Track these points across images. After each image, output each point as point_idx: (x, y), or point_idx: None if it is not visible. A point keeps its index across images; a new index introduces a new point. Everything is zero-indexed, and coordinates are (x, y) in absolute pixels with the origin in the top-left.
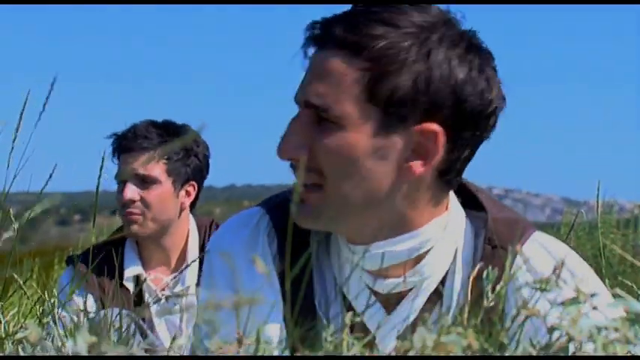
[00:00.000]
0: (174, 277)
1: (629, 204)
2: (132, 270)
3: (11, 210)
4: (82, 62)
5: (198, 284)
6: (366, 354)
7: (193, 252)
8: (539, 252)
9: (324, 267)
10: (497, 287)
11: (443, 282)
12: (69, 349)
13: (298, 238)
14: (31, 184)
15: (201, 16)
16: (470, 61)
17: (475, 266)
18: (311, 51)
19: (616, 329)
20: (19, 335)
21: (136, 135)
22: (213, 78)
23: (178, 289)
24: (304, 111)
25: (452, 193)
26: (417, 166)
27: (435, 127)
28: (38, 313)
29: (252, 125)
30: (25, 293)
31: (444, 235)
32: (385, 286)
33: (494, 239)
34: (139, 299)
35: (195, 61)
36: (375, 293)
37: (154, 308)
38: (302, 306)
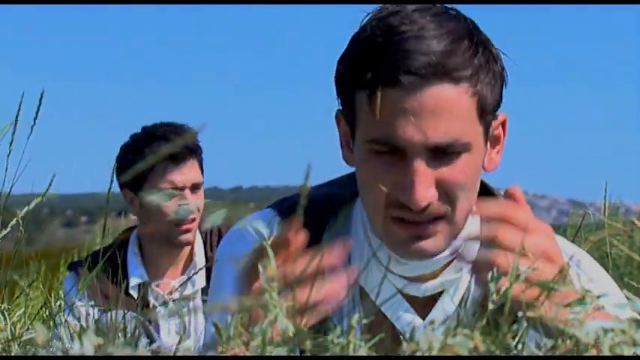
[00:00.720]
0: (183, 281)
1: (635, 205)
2: (136, 277)
3: (17, 212)
4: (85, 62)
5: (208, 286)
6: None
7: (200, 254)
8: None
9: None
10: (503, 288)
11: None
12: (75, 350)
13: (311, 241)
14: (36, 186)
15: (206, 15)
16: (494, 49)
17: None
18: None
19: (623, 331)
20: (25, 337)
21: (186, 146)
22: (219, 79)
23: (190, 291)
24: (425, 153)
25: None
26: (495, 155)
27: (502, 116)
28: (45, 315)
29: (259, 127)
30: (31, 299)
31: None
32: (423, 290)
33: None
34: (143, 305)
35: (201, 61)
36: (405, 296)
37: (160, 310)
38: None
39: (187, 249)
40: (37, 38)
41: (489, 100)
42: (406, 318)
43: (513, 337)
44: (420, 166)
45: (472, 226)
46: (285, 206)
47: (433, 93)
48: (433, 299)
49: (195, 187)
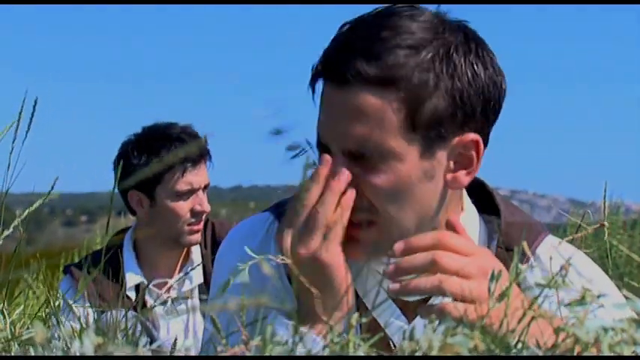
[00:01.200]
0: (179, 278)
1: (635, 205)
2: (133, 278)
3: (17, 211)
4: (84, 62)
5: (205, 282)
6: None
7: (196, 251)
8: (552, 254)
9: None
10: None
11: None
12: (75, 349)
13: None
14: (38, 186)
15: (206, 15)
16: (482, 57)
17: None
18: (320, 85)
19: (622, 330)
20: (25, 336)
21: (200, 146)
22: (219, 78)
23: (187, 287)
24: (342, 157)
25: (465, 192)
26: (462, 175)
27: (473, 135)
28: (44, 313)
29: (259, 126)
30: (35, 292)
31: None
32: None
33: (507, 243)
34: (142, 306)
35: (201, 60)
36: (394, 300)
37: (159, 310)
38: None
39: (181, 249)
40: (38, 38)
41: (428, 114)
42: (396, 324)
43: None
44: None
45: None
46: (284, 208)
47: (355, 97)
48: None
49: (205, 188)
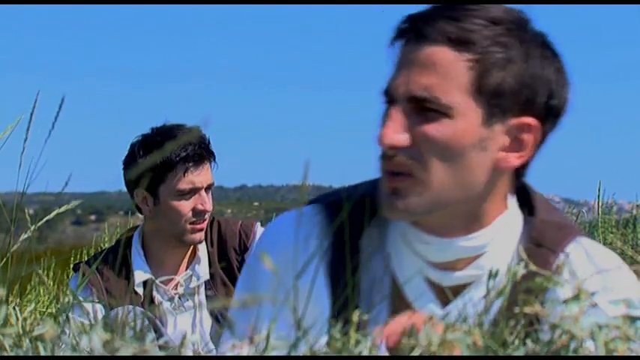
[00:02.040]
0: (186, 275)
1: (628, 204)
2: (141, 275)
3: (29, 211)
4: (95, 62)
5: (212, 278)
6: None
7: (202, 250)
8: (582, 256)
9: (373, 254)
10: (501, 286)
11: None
12: (84, 345)
13: (353, 234)
14: (48, 185)
15: (213, 14)
16: (554, 62)
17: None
18: (399, 44)
19: (617, 327)
20: (36, 332)
21: (200, 145)
22: (225, 78)
23: (194, 283)
24: (405, 104)
25: (511, 194)
26: (513, 158)
27: (532, 120)
28: (54, 310)
29: (263, 126)
30: (47, 288)
31: (503, 232)
32: (447, 279)
33: (539, 239)
34: (149, 302)
35: (207, 60)
36: (430, 284)
37: (165, 305)
38: (346, 299)
39: (187, 247)
40: (46, 37)
41: (495, 83)
42: (426, 306)
43: (511, 334)
44: (395, 111)
45: (497, 226)
46: (329, 200)
47: (430, 50)
48: (458, 293)
49: (209, 188)
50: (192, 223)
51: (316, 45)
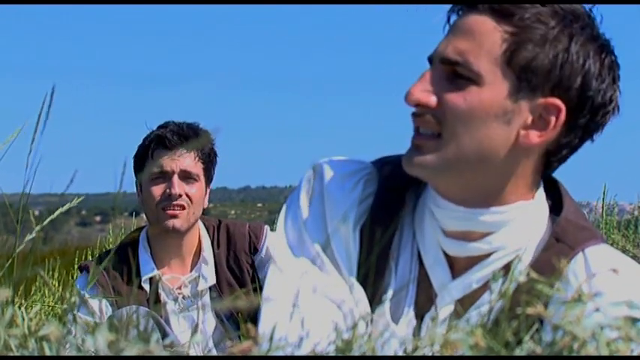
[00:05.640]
0: (192, 277)
1: (629, 205)
2: (147, 272)
3: (34, 212)
4: (99, 62)
5: (218, 282)
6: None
7: (208, 251)
8: (604, 259)
9: (405, 219)
10: (504, 287)
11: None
12: (89, 346)
13: (395, 197)
14: (53, 186)
15: (217, 12)
16: (602, 60)
17: (537, 255)
18: (454, 18)
19: (618, 328)
20: (41, 333)
21: (180, 134)
22: (228, 79)
23: (202, 286)
24: (439, 66)
25: (543, 192)
26: (534, 136)
27: (559, 102)
28: (60, 310)
29: (267, 127)
30: (51, 289)
31: (522, 218)
32: (457, 248)
33: (560, 235)
34: (155, 300)
35: (209, 61)
36: (445, 255)
37: (170, 306)
38: (378, 255)
39: (194, 245)
40: (50, 38)
41: (526, 59)
42: (440, 276)
43: (514, 334)
44: (429, 72)
45: (516, 211)
46: (382, 162)
47: (473, 18)
48: (470, 266)
49: (187, 177)
50: (164, 208)
51: (321, 47)
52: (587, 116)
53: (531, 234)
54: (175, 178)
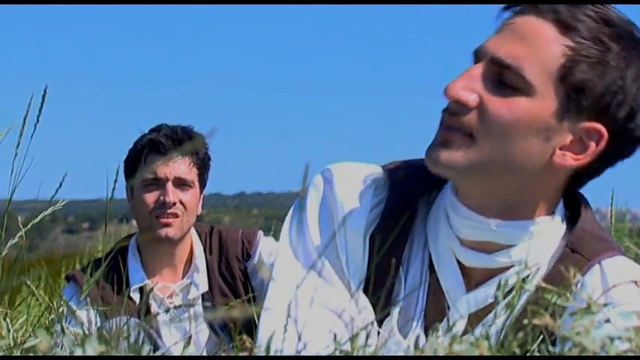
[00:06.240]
0: (184, 284)
1: None
2: (137, 281)
3: (20, 218)
4: (84, 66)
5: (210, 289)
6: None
7: (200, 258)
8: (620, 272)
9: (417, 226)
10: (509, 297)
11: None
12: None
13: (407, 203)
14: (40, 192)
15: (209, 14)
16: None
17: (552, 266)
18: (506, 15)
19: (629, 339)
20: (27, 344)
21: (174, 139)
22: (222, 83)
23: (193, 294)
24: (487, 64)
25: (562, 207)
26: (570, 158)
27: (603, 129)
28: (47, 321)
29: (262, 132)
30: (37, 299)
31: (543, 234)
32: (472, 259)
33: (575, 245)
34: (145, 309)
35: (205, 64)
36: (460, 265)
37: (162, 316)
38: (385, 262)
39: (186, 252)
40: (37, 39)
41: (580, 78)
42: (453, 287)
43: (519, 346)
44: (475, 68)
45: (536, 226)
46: (393, 167)
47: (531, 22)
48: (487, 279)
49: (181, 184)
50: (157, 216)
51: (317, 48)
52: (622, 147)
53: (549, 247)
54: (169, 185)
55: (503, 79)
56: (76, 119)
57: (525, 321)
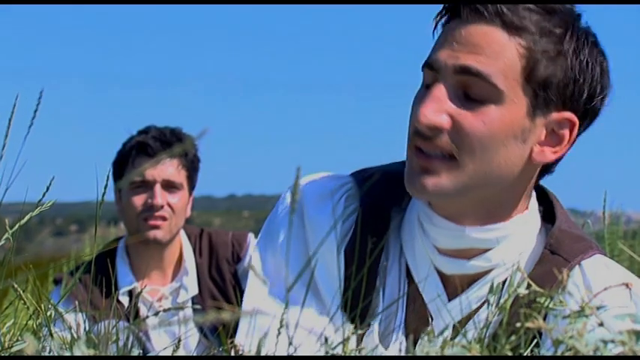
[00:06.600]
0: (173, 288)
1: (636, 214)
2: (126, 284)
3: (6, 220)
4: (72, 67)
5: (200, 292)
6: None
7: (189, 261)
8: (601, 271)
9: (391, 235)
10: (502, 301)
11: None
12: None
13: (380, 213)
14: (28, 195)
15: (198, 15)
16: (601, 62)
17: (532, 268)
18: (443, 21)
19: (622, 342)
20: (15, 348)
21: (162, 141)
22: (213, 85)
23: (183, 297)
24: (450, 80)
25: (535, 201)
26: (549, 152)
27: (571, 115)
28: (35, 325)
29: (253, 134)
30: (25, 303)
31: (520, 232)
32: (453, 266)
33: (555, 247)
34: (135, 313)
35: (194, 68)
36: (439, 273)
37: (151, 320)
38: (365, 276)
39: (176, 255)
40: (23, 40)
41: (544, 74)
42: (435, 296)
43: (512, 349)
44: (438, 89)
45: (513, 225)
46: (363, 176)
47: (484, 30)
48: (468, 284)
49: (170, 186)
50: (145, 218)
51: (307, 51)
52: (587, 125)
53: (526, 244)
54: (157, 187)
55: (469, 92)
56: (63, 120)
57: (518, 324)
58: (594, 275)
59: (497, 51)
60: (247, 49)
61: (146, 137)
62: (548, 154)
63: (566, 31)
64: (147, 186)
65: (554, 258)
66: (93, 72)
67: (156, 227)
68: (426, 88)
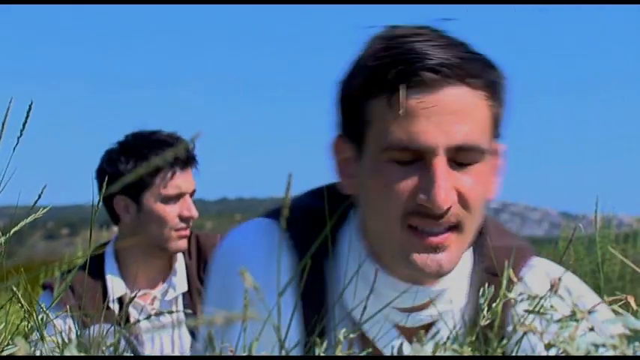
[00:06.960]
0: (164, 289)
1: (627, 218)
2: (116, 290)
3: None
4: (64, 71)
5: (189, 291)
6: None
7: (179, 262)
8: (538, 277)
9: (329, 286)
10: (493, 305)
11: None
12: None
13: (317, 258)
14: (20, 198)
15: (198, 15)
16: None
17: (475, 293)
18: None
19: (614, 346)
20: (6, 352)
21: (187, 151)
22: (204, 89)
23: (171, 295)
24: (443, 152)
25: None
26: (495, 185)
27: (501, 145)
28: (26, 329)
29: (245, 137)
30: (22, 306)
31: (461, 266)
32: (413, 320)
33: (493, 268)
34: (126, 319)
35: (187, 69)
36: (397, 327)
37: (142, 323)
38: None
39: (169, 259)
40: (21, 41)
41: (500, 117)
42: (386, 337)
43: (503, 353)
44: (443, 167)
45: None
46: (292, 218)
47: (453, 93)
48: (423, 328)
49: (193, 194)
50: (177, 229)
51: (301, 54)
52: None
53: (465, 269)
54: (188, 198)
55: (458, 159)
56: (56, 123)
57: (510, 328)
58: (534, 283)
59: (473, 113)
60: (247, 49)
61: (175, 150)
62: (496, 187)
63: (493, 69)
64: (179, 197)
65: (495, 280)
66: (92, 72)
67: (186, 237)
68: (401, 164)
